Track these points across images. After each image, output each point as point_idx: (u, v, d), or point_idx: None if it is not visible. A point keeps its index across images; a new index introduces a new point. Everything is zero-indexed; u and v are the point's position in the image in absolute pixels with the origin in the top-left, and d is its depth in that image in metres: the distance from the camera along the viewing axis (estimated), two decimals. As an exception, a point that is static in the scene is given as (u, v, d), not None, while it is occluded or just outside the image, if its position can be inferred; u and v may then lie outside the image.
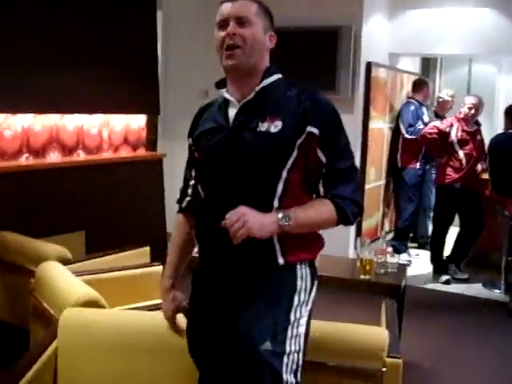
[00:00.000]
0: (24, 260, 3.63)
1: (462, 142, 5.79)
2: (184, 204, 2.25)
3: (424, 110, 6.49)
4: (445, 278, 5.87)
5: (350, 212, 1.98)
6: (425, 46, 6.66)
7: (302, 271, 1.99)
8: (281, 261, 1.95)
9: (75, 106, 4.87)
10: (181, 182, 2.26)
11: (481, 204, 5.83)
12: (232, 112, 2.03)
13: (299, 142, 1.93)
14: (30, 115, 4.61)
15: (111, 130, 5.36)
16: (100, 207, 5.03)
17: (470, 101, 5.85)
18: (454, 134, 5.78)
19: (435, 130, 5.87)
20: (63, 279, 2.98)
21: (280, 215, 1.87)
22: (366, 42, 5.97)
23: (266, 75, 2.04)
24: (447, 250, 6.09)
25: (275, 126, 1.93)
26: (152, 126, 5.89)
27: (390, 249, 4.09)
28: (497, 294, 5.67)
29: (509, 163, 5.43)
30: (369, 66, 6.03)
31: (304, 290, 1.99)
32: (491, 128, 7.31)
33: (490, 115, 7.83)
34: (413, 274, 5.74)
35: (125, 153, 5.48)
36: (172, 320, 2.25)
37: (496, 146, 5.61)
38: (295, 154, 1.94)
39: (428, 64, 8.66)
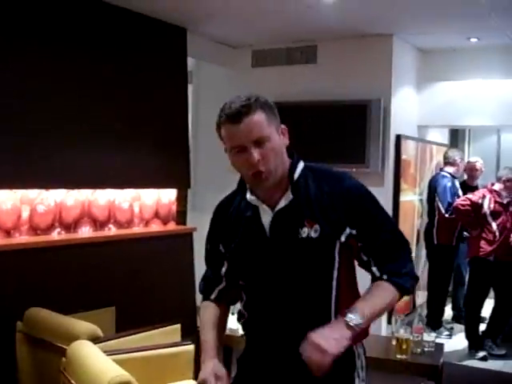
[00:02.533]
0: (55, 337, 3.58)
1: (494, 214, 5.70)
2: (214, 295, 2.17)
3: (457, 183, 6.37)
4: (481, 354, 5.68)
5: (409, 285, 1.97)
6: (453, 118, 6.67)
7: (359, 350, 2.03)
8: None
9: (107, 182, 4.93)
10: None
11: (516, 276, 5.70)
12: (266, 219, 1.97)
13: (342, 239, 1.92)
14: (63, 190, 4.67)
15: (142, 204, 5.39)
16: (130, 282, 5.01)
17: (508, 175, 5.76)
18: (487, 206, 5.70)
19: (468, 202, 5.78)
20: (95, 359, 2.93)
21: (347, 318, 1.80)
22: (395, 115, 6.00)
23: (293, 171, 1.96)
24: (483, 325, 5.94)
25: (315, 231, 1.89)
26: (182, 200, 5.91)
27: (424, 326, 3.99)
28: (536, 370, 5.47)
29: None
30: (398, 138, 6.05)
31: (361, 368, 2.03)
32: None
33: (521, 185, 7.75)
34: (448, 350, 5.56)
35: (155, 227, 5.49)
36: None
37: (530, 218, 5.53)
38: (338, 249, 1.93)
39: (457, 134, 8.67)
